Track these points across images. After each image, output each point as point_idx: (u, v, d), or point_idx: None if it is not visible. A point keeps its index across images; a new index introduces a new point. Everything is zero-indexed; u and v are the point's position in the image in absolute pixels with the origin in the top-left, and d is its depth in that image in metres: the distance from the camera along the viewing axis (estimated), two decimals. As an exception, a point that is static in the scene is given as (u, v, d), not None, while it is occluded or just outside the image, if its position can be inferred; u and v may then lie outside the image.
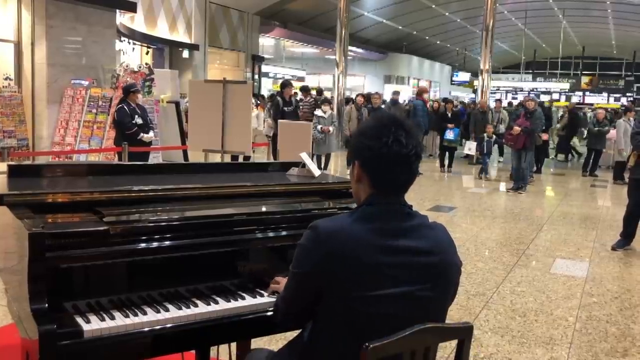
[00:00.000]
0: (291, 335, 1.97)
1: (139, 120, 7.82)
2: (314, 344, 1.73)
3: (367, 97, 12.47)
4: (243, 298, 2.10)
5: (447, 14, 31.52)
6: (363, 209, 1.69)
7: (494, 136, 12.48)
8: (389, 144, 1.64)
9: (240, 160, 8.20)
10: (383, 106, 13.65)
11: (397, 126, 1.68)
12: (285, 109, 10.25)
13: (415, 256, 1.64)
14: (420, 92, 14.09)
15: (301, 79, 30.04)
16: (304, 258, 1.67)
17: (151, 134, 8.06)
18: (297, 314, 1.79)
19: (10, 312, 2.28)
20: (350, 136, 1.82)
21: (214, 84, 5.98)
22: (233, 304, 2.06)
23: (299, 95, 13.69)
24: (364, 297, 1.58)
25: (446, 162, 13.15)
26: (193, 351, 2.41)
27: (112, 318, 1.86)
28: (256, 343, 2.73)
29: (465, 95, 37.31)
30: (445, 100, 15.45)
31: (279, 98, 10.62)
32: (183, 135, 10.57)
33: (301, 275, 1.69)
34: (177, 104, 11.20)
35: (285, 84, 10.89)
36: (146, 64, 13.93)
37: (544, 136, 12.27)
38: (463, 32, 36.56)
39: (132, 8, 13.00)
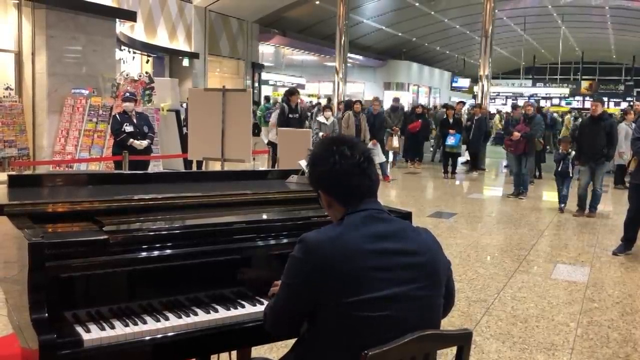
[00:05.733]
0: (292, 343, 1.97)
1: (128, 128, 7.79)
2: (313, 353, 1.74)
3: (347, 104, 12.48)
4: (243, 306, 2.10)
5: (446, 20, 31.61)
6: (347, 219, 1.75)
7: (572, 151, 9.31)
8: (337, 161, 1.76)
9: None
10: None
11: (337, 144, 1.80)
12: (291, 116, 10.19)
13: (404, 257, 1.69)
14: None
15: (301, 86, 30.12)
16: (294, 269, 1.71)
17: (145, 142, 8.01)
18: (286, 323, 1.82)
19: (10, 321, 2.28)
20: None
21: (214, 92, 6.00)
22: (233, 312, 2.06)
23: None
24: (358, 302, 1.61)
25: (449, 168, 13.13)
26: (193, 360, 2.41)
27: (112, 327, 1.86)
28: (257, 351, 2.73)
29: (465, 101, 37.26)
30: (446, 106, 15.43)
31: (284, 105, 10.55)
32: (183, 143, 10.57)
33: (292, 286, 1.72)
34: (178, 112, 11.22)
35: (292, 92, 10.73)
36: (146, 72, 13.96)
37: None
38: (462, 39, 36.65)
39: (132, 17, 13.08)
